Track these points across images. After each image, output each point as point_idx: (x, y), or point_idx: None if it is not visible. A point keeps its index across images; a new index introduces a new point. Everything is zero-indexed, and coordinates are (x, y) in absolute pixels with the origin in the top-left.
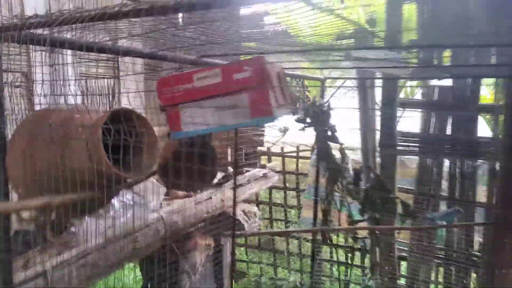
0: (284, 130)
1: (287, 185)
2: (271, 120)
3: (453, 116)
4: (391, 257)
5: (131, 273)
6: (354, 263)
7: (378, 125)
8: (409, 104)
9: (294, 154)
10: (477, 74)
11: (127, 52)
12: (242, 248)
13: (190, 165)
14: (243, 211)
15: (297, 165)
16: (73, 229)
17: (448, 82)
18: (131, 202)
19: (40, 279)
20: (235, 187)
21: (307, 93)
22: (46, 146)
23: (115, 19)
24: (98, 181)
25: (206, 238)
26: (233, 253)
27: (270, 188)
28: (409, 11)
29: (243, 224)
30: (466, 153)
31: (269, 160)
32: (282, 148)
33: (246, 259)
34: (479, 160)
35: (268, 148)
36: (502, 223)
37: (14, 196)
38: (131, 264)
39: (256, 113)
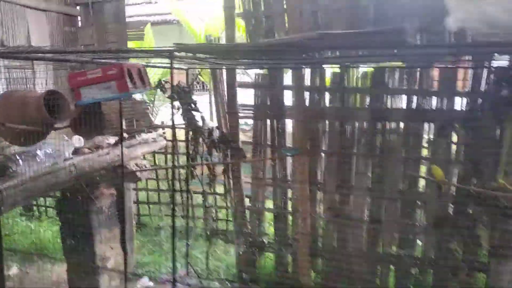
0: (178, 108)
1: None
2: (129, 95)
3: (271, 92)
4: (238, 183)
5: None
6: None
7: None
8: (244, 85)
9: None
10: (282, 66)
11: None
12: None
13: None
14: (136, 163)
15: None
16: (13, 168)
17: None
18: (52, 153)
19: None
20: (121, 145)
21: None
22: (15, 106)
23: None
24: (40, 123)
25: (109, 187)
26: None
27: (166, 153)
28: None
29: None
30: (279, 115)
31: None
32: (173, 121)
33: (148, 213)
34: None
35: (162, 122)
36: (299, 156)
37: None
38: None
39: (119, 90)
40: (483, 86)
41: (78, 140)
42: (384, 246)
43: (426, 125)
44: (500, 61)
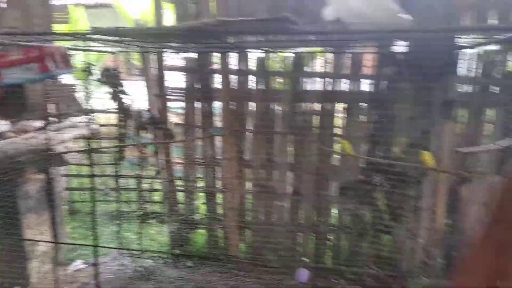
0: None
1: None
2: (50, 76)
3: (199, 76)
4: (169, 164)
5: None
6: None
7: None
8: (173, 68)
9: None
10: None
11: None
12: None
13: (7, 101)
14: (65, 147)
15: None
16: None
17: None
18: None
19: None
20: (47, 128)
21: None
22: None
23: None
24: None
25: (37, 172)
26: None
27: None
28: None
29: (63, 155)
30: (207, 98)
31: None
32: (104, 106)
33: (80, 200)
34: (214, 102)
35: (92, 106)
36: (227, 136)
37: None
38: None
39: (41, 72)
40: (386, 70)
41: (3, 124)
42: (304, 216)
43: (338, 105)
44: (399, 47)
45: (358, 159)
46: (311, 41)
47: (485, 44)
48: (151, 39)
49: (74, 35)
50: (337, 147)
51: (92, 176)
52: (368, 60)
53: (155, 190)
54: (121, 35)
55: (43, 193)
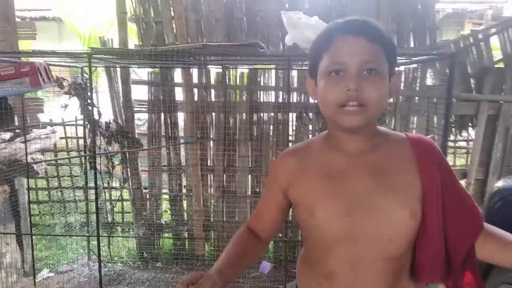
0: (65, 106)
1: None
2: (40, 88)
3: (163, 89)
4: (137, 171)
5: None
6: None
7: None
8: (137, 82)
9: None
10: (174, 66)
11: None
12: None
13: None
14: (32, 158)
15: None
16: None
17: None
18: None
19: None
20: (25, 141)
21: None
22: None
23: None
24: None
25: (2, 184)
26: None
27: (55, 150)
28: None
29: (33, 166)
30: (171, 109)
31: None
32: (63, 119)
33: (39, 213)
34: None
35: (50, 119)
36: (191, 144)
37: None
38: None
39: (32, 85)
40: None
41: None
42: None
43: (290, 115)
44: None
45: None
46: (267, 59)
47: (406, 64)
48: (137, 58)
49: (77, 54)
50: None
51: (60, 188)
52: None
53: (123, 200)
54: (120, 55)
55: (8, 205)
